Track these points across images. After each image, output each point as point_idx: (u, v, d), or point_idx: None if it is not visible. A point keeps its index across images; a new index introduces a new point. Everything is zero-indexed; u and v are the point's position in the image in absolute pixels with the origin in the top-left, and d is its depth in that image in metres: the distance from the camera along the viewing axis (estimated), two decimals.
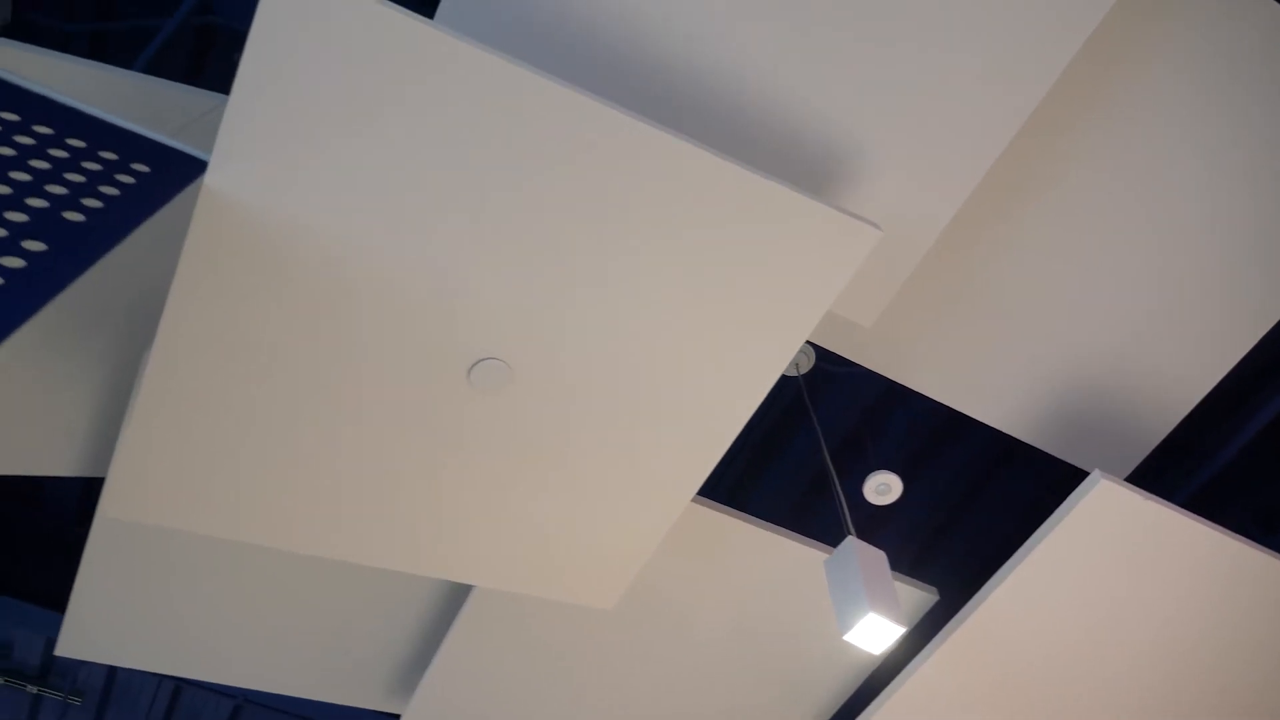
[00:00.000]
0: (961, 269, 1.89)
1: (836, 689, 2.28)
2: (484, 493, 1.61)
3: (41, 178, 1.07)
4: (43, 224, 1.00)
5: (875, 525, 3.11)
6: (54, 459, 1.83)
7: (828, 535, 2.91)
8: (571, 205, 1.29)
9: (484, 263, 1.31)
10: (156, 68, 2.16)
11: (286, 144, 1.19)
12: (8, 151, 1.09)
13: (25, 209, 1.01)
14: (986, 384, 2.04)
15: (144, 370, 1.39)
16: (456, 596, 2.16)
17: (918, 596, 2.11)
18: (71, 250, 0.97)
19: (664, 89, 1.53)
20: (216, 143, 1.19)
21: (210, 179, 1.20)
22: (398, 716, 2.48)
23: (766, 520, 2.05)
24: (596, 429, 1.55)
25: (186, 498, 1.47)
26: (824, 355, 2.59)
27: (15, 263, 0.93)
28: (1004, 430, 2.11)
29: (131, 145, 1.19)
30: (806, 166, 1.61)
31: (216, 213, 1.22)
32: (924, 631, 2.28)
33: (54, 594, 3.55)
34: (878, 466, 2.89)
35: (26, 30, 2.03)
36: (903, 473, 2.89)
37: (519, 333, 1.40)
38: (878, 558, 1.73)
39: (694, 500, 1.90)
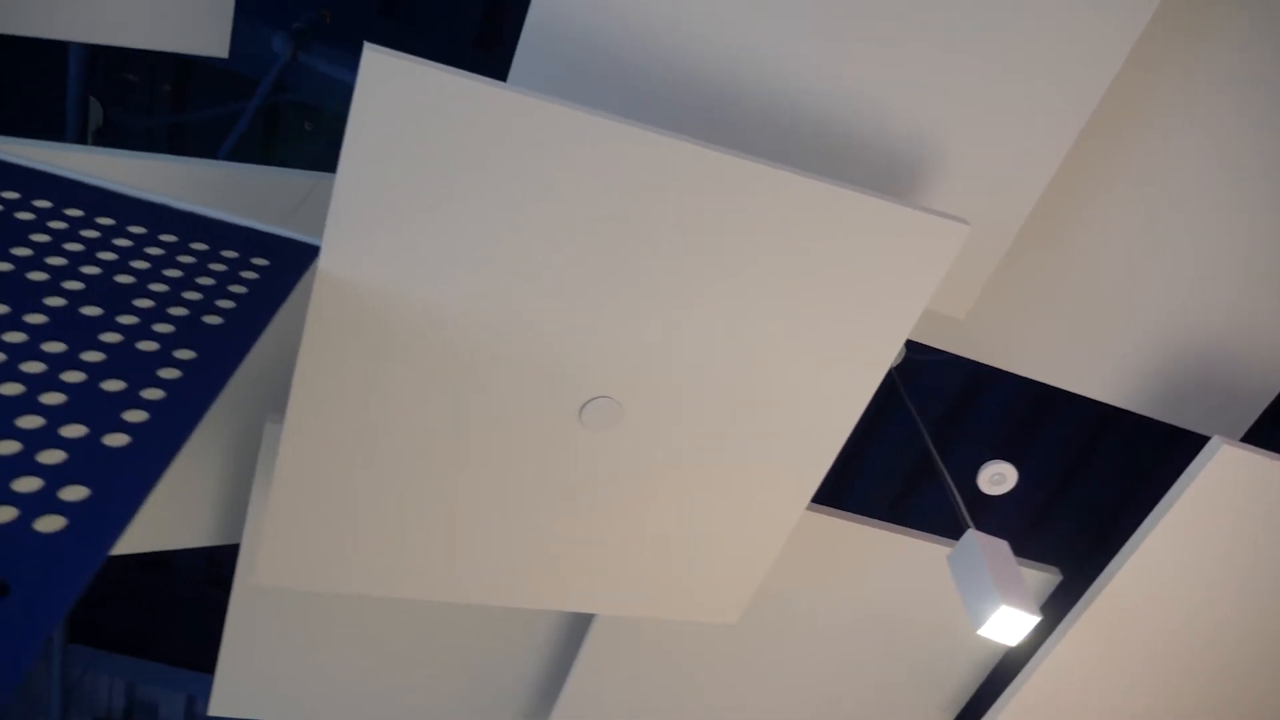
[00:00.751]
0: (1050, 248, 1.87)
1: (967, 678, 2.27)
2: (602, 525, 1.65)
3: (177, 285, 1.14)
4: (188, 332, 1.06)
5: (978, 510, 3.08)
6: (191, 531, 1.93)
7: (931, 525, 2.89)
8: (670, 242, 1.32)
9: (589, 307, 1.35)
10: (233, 149, 2.26)
11: (394, 220, 1.24)
12: (143, 265, 1.16)
13: (170, 319, 1.08)
14: (1087, 359, 2.01)
15: (272, 441, 1.46)
16: (581, 621, 2.21)
17: (1041, 579, 2.09)
18: (220, 354, 1.03)
19: (738, 114, 1.55)
20: (326, 229, 1.25)
21: (324, 263, 1.26)
22: None
23: (869, 516, 2.05)
24: (706, 452, 1.58)
25: (328, 561, 1.54)
26: (909, 345, 2.58)
27: (172, 374, 1.00)
28: (1111, 403, 2.08)
29: (250, 241, 1.26)
30: (883, 171, 1.62)
31: (333, 294, 1.28)
32: (1049, 612, 2.26)
33: (191, 654, 3.73)
34: (974, 452, 2.87)
35: (114, 129, 2.15)
36: (1002, 456, 2.86)
37: (626, 370, 1.44)
38: (1000, 548, 1.72)
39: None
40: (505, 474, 1.52)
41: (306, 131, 2.27)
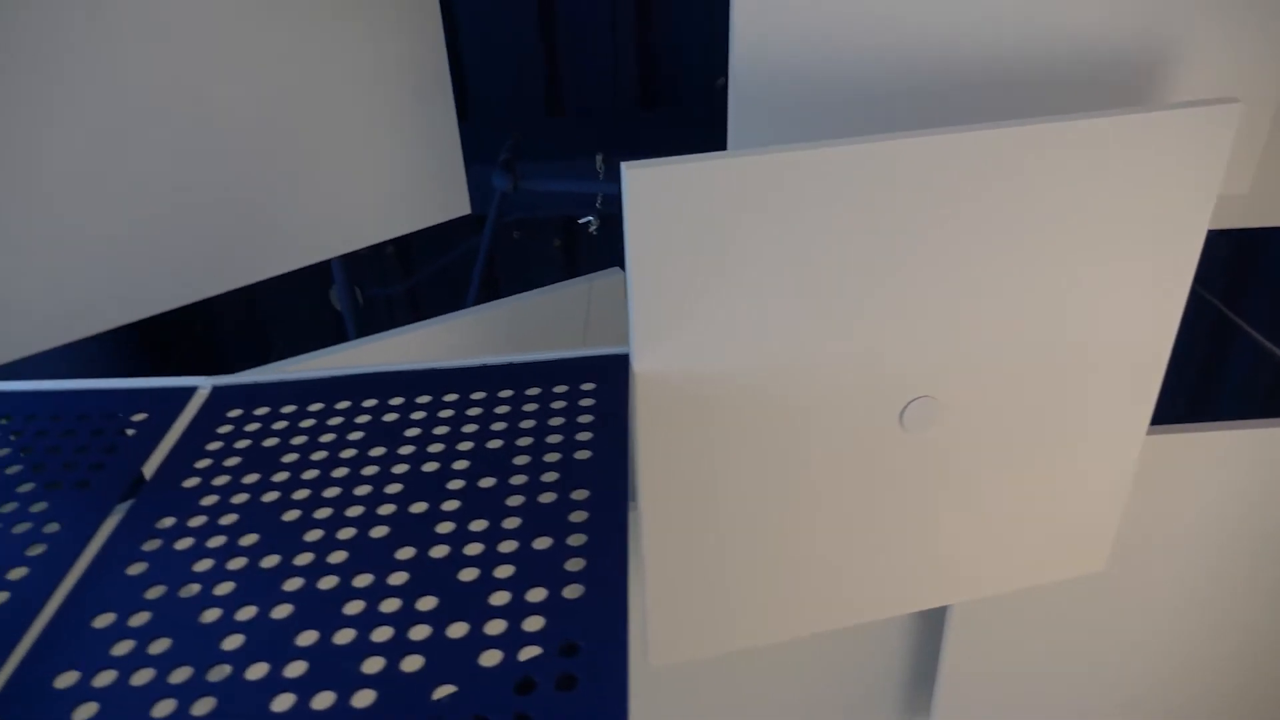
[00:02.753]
0: None
1: None
2: (944, 520, 1.64)
3: (538, 434, 1.24)
4: (571, 473, 1.16)
5: None
6: None
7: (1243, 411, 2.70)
8: (950, 233, 1.32)
9: (892, 318, 1.37)
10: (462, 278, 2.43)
11: (691, 307, 1.30)
12: (500, 425, 1.27)
13: (551, 467, 1.18)
14: None
15: (634, 525, 1.55)
16: (934, 611, 2.21)
17: None
18: (609, 482, 1.12)
19: (958, 86, 1.54)
20: (633, 337, 1.33)
21: (639, 367, 1.34)
22: None
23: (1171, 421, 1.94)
24: (1031, 418, 1.56)
25: (713, 627, 1.62)
26: None
27: (580, 516, 1.09)
28: None
29: (568, 370, 1.36)
30: (1123, 84, 1.55)
31: (653, 391, 1.35)
32: None
33: None
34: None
35: (370, 306, 2.36)
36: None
37: (935, 366, 1.44)
38: None
39: None
40: (843, 498, 1.55)
41: (516, 240, 2.41)
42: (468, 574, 1.03)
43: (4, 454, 1.30)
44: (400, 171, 1.57)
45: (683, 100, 2.33)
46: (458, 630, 0.96)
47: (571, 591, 0.98)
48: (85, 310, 1.34)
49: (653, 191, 1.22)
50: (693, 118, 2.30)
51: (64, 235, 1.27)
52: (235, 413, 1.35)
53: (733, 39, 1.48)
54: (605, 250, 2.55)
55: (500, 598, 0.99)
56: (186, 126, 1.32)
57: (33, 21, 1.16)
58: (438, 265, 2.30)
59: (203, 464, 1.25)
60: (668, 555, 1.52)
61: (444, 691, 0.89)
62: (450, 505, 1.13)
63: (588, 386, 1.33)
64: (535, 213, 2.16)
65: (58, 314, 1.32)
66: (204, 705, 0.91)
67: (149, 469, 1.27)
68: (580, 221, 1.99)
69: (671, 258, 1.27)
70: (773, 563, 1.58)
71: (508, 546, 1.06)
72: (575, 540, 1.05)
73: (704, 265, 1.28)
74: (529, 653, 0.92)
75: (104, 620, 1.01)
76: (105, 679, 0.95)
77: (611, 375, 1.34)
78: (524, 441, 1.23)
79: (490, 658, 0.92)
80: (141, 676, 0.94)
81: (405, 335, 1.65)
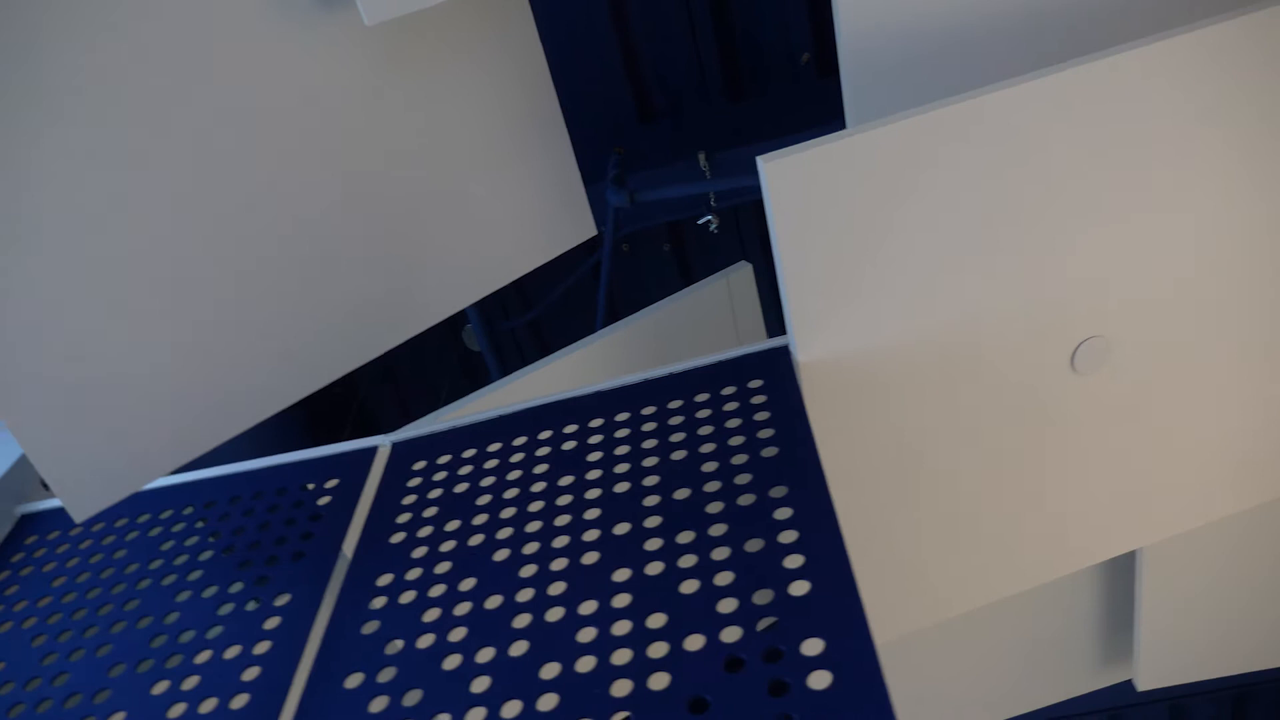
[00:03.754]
0: None
1: None
2: (1134, 455, 1.59)
3: (719, 438, 1.25)
4: (763, 472, 1.16)
5: None
6: None
7: None
8: (1113, 162, 1.27)
9: (1051, 261, 1.33)
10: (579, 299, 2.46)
11: (844, 288, 1.29)
12: (679, 436, 1.28)
13: (741, 469, 1.18)
14: None
15: None
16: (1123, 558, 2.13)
17: None
18: (802, 473, 1.12)
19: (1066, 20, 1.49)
20: (790, 328, 1.32)
21: (801, 357, 1.33)
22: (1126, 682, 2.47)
23: None
24: (1209, 342, 1.49)
25: (908, 601, 1.60)
26: None
27: (785, 513, 1.09)
28: None
29: (729, 371, 1.36)
30: None
31: (818, 377, 1.35)
32: None
33: None
34: None
35: (493, 338, 2.41)
36: None
37: (1102, 301, 1.40)
38: None
39: None
40: (1027, 452, 1.51)
41: (626, 253, 2.43)
42: (688, 586, 1.04)
43: (219, 538, 1.37)
44: (526, 204, 1.60)
45: (768, 85, 2.32)
46: (694, 643, 0.97)
47: (798, 588, 0.98)
48: (263, 391, 1.41)
49: (793, 179, 1.21)
50: (781, 100, 2.28)
51: (237, 321, 1.33)
52: (420, 464, 1.39)
53: (838, 14, 1.46)
54: (714, 247, 2.56)
55: (727, 605, 1.00)
56: (331, 200, 1.37)
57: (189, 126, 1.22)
58: (560, 291, 2.33)
59: (403, 518, 1.29)
60: (860, 538, 1.51)
61: (699, 707, 0.90)
62: (652, 521, 1.15)
63: (755, 384, 1.33)
64: (648, 223, 2.18)
65: (239, 400, 1.39)
66: None
67: (352, 530, 1.32)
68: (700, 222, 1.99)
69: (820, 242, 1.26)
70: (965, 528, 1.55)
71: (720, 554, 1.07)
72: (786, 537, 1.05)
73: (854, 244, 1.27)
74: (772, 656, 0.92)
75: (354, 680, 1.06)
76: None
77: (776, 368, 1.34)
78: (707, 448, 1.24)
79: (734, 665, 0.93)
80: None
81: (556, 362, 1.67)
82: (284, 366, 1.40)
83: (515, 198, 1.58)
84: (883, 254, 1.28)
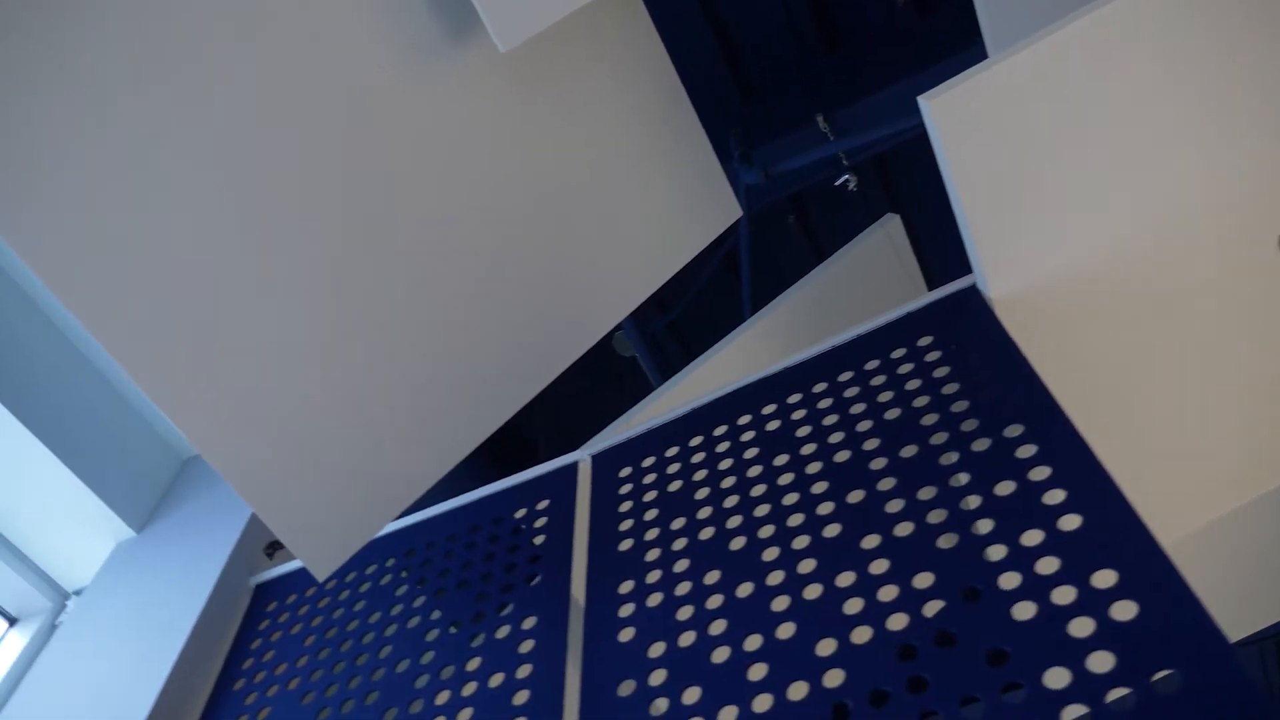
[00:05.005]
0: None
1: None
2: None
3: (930, 390, 1.22)
4: (992, 419, 1.12)
5: None
6: None
7: None
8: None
9: (1253, 142, 1.25)
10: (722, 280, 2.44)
11: (1021, 215, 1.24)
12: (888, 395, 1.25)
13: (965, 416, 1.15)
14: None
15: None
16: None
17: None
18: (1036, 412, 1.08)
19: None
20: (976, 264, 1.28)
21: (995, 294, 1.29)
22: None
23: None
24: None
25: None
26: None
27: (1029, 450, 1.05)
28: None
29: (926, 319, 1.33)
30: None
31: (1016, 311, 1.30)
32: None
33: None
34: None
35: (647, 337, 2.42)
36: None
37: None
38: None
39: None
40: (1246, 347, 1.43)
41: (753, 229, 2.41)
42: (946, 540, 1.01)
43: (449, 575, 1.41)
44: (674, 196, 1.59)
45: (867, 33, 2.26)
46: (972, 596, 0.94)
47: (1068, 523, 0.95)
48: (468, 424, 1.44)
49: (959, 113, 1.17)
50: (884, 49, 2.21)
51: (441, 360, 1.37)
52: (625, 471, 1.40)
53: None
54: (839, 212, 2.51)
55: (996, 551, 0.97)
56: (503, 227, 1.39)
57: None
58: (701, 283, 2.32)
59: (625, 525, 1.30)
60: None
61: (999, 659, 0.87)
62: (886, 484, 1.12)
63: (949, 330, 1.29)
64: (778, 195, 2.16)
65: (448, 436, 1.42)
66: None
67: (577, 546, 1.33)
68: (837, 184, 1.96)
69: (995, 172, 1.21)
70: (1190, 440, 1.48)
71: (971, 502, 1.04)
72: (1038, 474, 1.02)
73: (1031, 166, 1.22)
74: (1064, 595, 0.89)
75: (627, 689, 1.07)
76: None
77: (969, 309, 1.30)
78: (920, 402, 1.21)
79: (1024, 610, 0.90)
80: None
81: (725, 350, 1.66)
82: (483, 398, 1.43)
83: (663, 191, 1.58)
84: (1062, 171, 1.23)
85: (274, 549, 1.75)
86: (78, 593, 1.96)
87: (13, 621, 1.97)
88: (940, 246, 1.87)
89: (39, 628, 1.90)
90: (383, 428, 1.33)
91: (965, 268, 1.32)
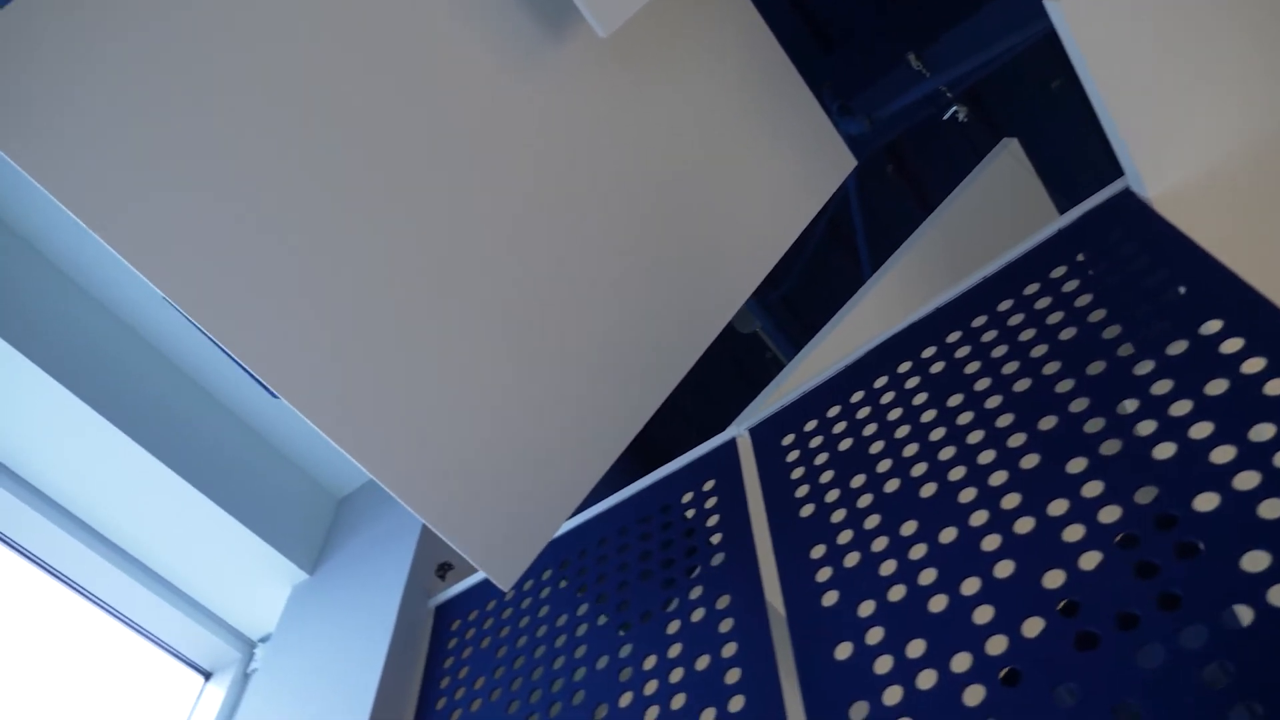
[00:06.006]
0: None
1: None
2: None
3: (1109, 298, 1.16)
4: (1175, 311, 1.06)
5: None
6: None
7: None
8: None
9: None
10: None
11: (1175, 103, 1.18)
12: (1056, 317, 1.20)
13: (1151, 318, 1.09)
14: None
15: None
16: None
17: None
18: (1241, 297, 1.01)
19: None
20: (1129, 165, 1.21)
21: (1152, 192, 1.22)
22: None
23: None
24: None
25: None
26: None
27: (1234, 344, 0.99)
28: None
29: (1084, 230, 1.27)
30: None
31: (1177, 206, 1.22)
32: None
33: None
34: None
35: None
36: None
37: None
38: None
39: None
40: None
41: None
42: (1163, 450, 0.95)
43: (628, 569, 1.41)
44: (789, 157, 1.56)
45: None
46: (1206, 501, 0.88)
47: None
48: (625, 418, 1.44)
49: (1090, 9, 1.11)
50: None
51: (593, 356, 1.37)
52: (788, 438, 1.37)
53: None
54: (935, 154, 2.43)
55: (1222, 454, 0.91)
56: (632, 217, 1.38)
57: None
58: (812, 248, 2.27)
59: (801, 491, 1.27)
60: None
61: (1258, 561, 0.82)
62: (1078, 404, 1.07)
63: (1108, 238, 1.23)
64: (881, 142, 2.10)
65: (607, 432, 1.42)
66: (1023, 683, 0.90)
67: (755, 519, 1.31)
68: (946, 117, 1.90)
69: (1137, 64, 1.15)
70: None
71: (1180, 408, 0.98)
72: (1251, 366, 0.95)
73: (1173, 55, 1.15)
74: None
75: (844, 651, 1.04)
76: (892, 697, 0.97)
77: (1126, 212, 1.23)
78: (1096, 316, 1.15)
79: (1272, 508, 0.84)
80: (926, 679, 0.95)
81: (864, 302, 1.61)
82: (634, 389, 1.42)
83: (777, 154, 1.55)
84: (1210, 53, 1.15)
85: (444, 570, 1.78)
86: (263, 639, 2.03)
87: (207, 675, 2.05)
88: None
89: (233, 678, 1.97)
90: (547, 433, 1.33)
91: (1079, 190, 1.26)
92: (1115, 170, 1.24)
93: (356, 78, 1.18)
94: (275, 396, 1.49)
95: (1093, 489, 0.98)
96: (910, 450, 1.20)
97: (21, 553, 1.83)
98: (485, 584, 1.61)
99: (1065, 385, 1.10)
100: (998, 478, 1.07)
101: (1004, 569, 0.98)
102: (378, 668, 1.51)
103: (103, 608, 1.93)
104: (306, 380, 1.15)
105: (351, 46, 1.18)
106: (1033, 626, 0.92)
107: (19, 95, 1.02)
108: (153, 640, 1.98)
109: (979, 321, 1.28)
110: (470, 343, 1.27)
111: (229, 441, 1.96)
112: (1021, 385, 1.15)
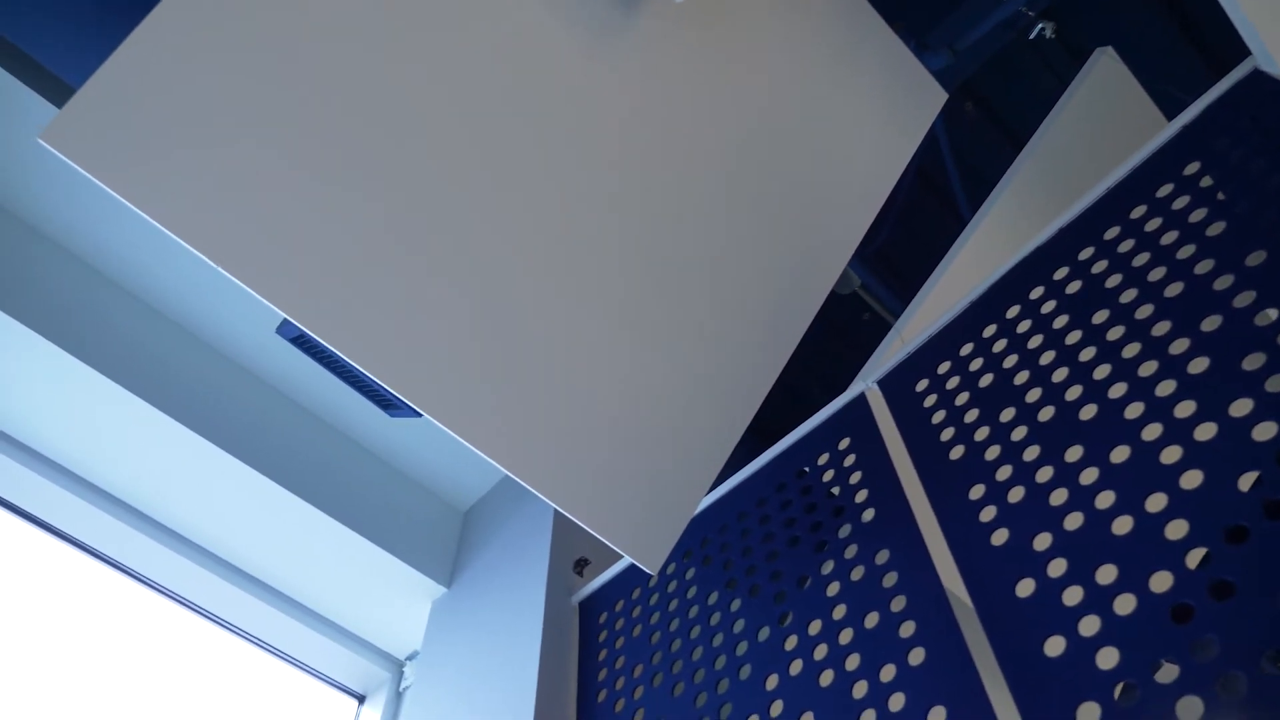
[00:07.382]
0: None
1: None
2: None
3: (1221, 208, 1.09)
4: None
5: None
6: None
7: None
8: None
9: None
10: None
11: None
12: (1177, 220, 1.13)
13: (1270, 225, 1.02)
14: None
15: None
16: None
17: None
18: None
19: None
20: (1258, 46, 1.14)
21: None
22: None
23: None
24: None
25: None
26: None
27: None
28: None
29: (1212, 125, 1.19)
30: None
31: None
32: None
33: None
34: None
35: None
36: None
37: None
38: None
39: None
40: None
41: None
42: None
43: (773, 539, 1.38)
44: (877, 102, 1.51)
45: None
46: None
47: None
48: (749, 387, 1.41)
49: None
50: None
51: (705, 338, 1.34)
52: (922, 384, 1.33)
53: None
54: (1016, 81, 2.34)
55: None
56: (725, 188, 1.36)
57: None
58: (902, 199, 2.21)
59: (946, 435, 1.23)
60: None
61: None
62: (1244, 299, 1.00)
63: (1243, 126, 1.15)
64: (965, 74, 2.03)
65: (736, 403, 1.39)
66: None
67: (901, 471, 1.27)
68: (1033, 36, 1.83)
69: None
70: None
71: None
72: None
73: None
74: None
75: (1026, 588, 0.99)
76: (1089, 627, 0.92)
77: (1259, 93, 1.16)
78: (1214, 229, 1.08)
79: None
80: (1123, 604, 0.90)
81: (977, 235, 1.53)
82: (753, 356, 1.39)
83: (868, 98, 1.50)
84: None
85: (581, 566, 1.77)
86: (410, 657, 2.05)
87: (361, 699, 2.08)
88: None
89: (387, 697, 2.00)
90: (673, 411, 1.31)
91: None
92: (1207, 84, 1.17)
93: (461, 81, 1.18)
94: (396, 415, 1.51)
95: (1276, 383, 0.92)
96: (1060, 375, 1.14)
97: (172, 597, 1.89)
98: (626, 573, 1.60)
99: (1223, 282, 1.04)
100: (1165, 388, 1.01)
101: (1191, 479, 0.93)
102: (533, 669, 1.50)
103: (253, 641, 1.97)
104: (444, 390, 1.14)
105: (448, 56, 1.18)
106: (1236, 534, 0.86)
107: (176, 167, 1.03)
108: (304, 669, 2.02)
109: (1111, 234, 1.22)
110: (588, 332, 1.26)
111: (349, 464, 1.99)
112: (1174, 289, 1.09)
